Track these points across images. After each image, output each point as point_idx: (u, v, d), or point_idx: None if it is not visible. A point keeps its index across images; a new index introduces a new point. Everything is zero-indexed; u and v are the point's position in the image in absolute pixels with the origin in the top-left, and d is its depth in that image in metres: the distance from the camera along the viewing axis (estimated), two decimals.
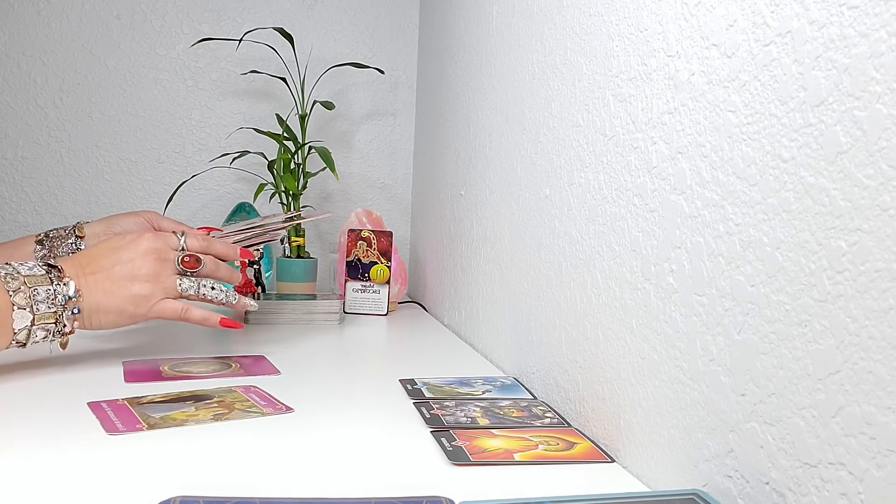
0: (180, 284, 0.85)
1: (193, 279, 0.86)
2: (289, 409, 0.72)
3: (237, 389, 0.78)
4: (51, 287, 0.77)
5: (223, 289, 0.88)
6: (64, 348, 0.81)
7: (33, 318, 0.75)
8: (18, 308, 0.74)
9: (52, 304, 0.76)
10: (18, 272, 0.76)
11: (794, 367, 0.43)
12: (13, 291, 0.74)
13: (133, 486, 0.52)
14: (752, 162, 0.47)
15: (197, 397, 0.75)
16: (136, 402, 0.72)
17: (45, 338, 0.77)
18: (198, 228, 1.03)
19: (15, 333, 0.74)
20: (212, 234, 0.98)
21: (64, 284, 0.78)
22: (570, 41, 0.76)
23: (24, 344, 0.76)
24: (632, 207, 0.62)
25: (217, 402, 0.73)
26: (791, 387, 0.43)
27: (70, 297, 0.78)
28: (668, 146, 0.57)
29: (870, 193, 0.38)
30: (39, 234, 1.02)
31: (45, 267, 0.78)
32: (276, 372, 0.87)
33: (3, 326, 0.73)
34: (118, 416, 0.67)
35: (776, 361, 0.45)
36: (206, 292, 0.87)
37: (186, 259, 0.86)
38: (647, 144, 0.60)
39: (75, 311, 0.79)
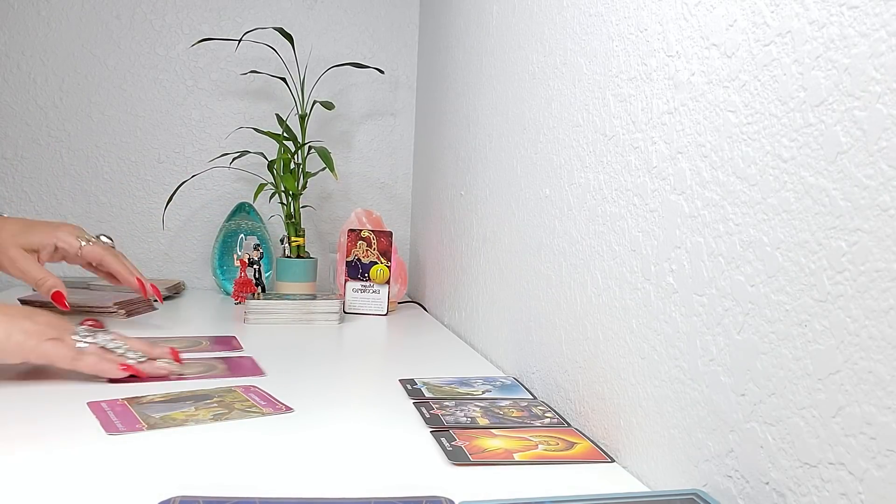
0: (77, 333, 0.80)
1: (91, 330, 0.82)
2: (289, 409, 0.72)
3: (237, 389, 0.78)
4: None
5: (127, 349, 0.82)
6: None
7: None
8: None
9: None
10: None
11: (794, 367, 0.43)
12: None
13: (133, 486, 0.52)
14: (752, 162, 0.47)
15: (197, 397, 0.75)
16: (135, 401, 0.72)
17: None
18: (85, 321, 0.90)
19: None
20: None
21: None
22: (570, 41, 0.76)
23: None
24: (632, 207, 0.62)
25: (217, 402, 0.73)
26: (791, 387, 0.43)
27: None
28: (668, 146, 0.57)
29: (870, 193, 0.38)
30: None
31: None
32: (261, 373, 0.87)
33: None
34: (118, 416, 0.67)
35: (776, 361, 0.45)
36: (106, 343, 0.81)
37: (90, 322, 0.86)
38: (647, 144, 0.60)
39: None
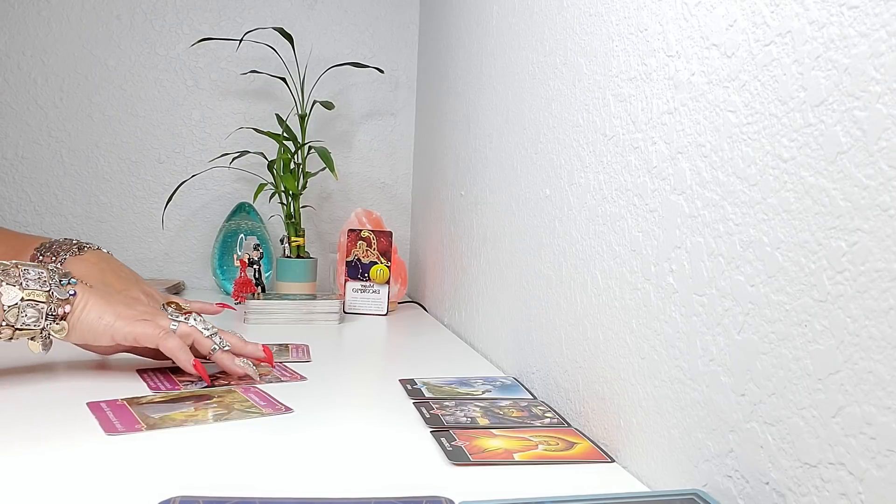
0: (170, 315, 0.83)
1: (186, 318, 0.83)
2: (288, 410, 0.72)
3: (237, 389, 0.78)
4: (44, 270, 0.76)
5: (214, 334, 0.82)
6: (47, 349, 0.76)
7: (22, 296, 0.73)
8: (7, 284, 0.73)
9: (46, 283, 0.75)
10: (9, 262, 0.76)
11: (794, 367, 0.43)
12: (1, 272, 0.74)
13: (133, 486, 0.52)
14: (752, 162, 0.47)
15: (197, 397, 0.75)
16: (135, 402, 0.72)
17: (35, 321, 0.73)
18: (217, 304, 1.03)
19: (5, 311, 0.72)
20: None
21: (62, 274, 0.78)
22: (570, 41, 0.76)
23: (14, 327, 0.73)
24: (632, 207, 0.62)
25: (217, 402, 0.73)
26: (791, 387, 0.43)
27: (67, 275, 0.78)
28: (668, 146, 0.57)
29: (870, 193, 0.38)
30: (42, 243, 0.99)
31: (43, 264, 0.79)
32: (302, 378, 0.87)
33: None
34: (117, 417, 0.67)
35: (776, 361, 0.45)
36: (198, 333, 0.81)
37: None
38: (647, 144, 0.60)
39: (71, 293, 0.76)
